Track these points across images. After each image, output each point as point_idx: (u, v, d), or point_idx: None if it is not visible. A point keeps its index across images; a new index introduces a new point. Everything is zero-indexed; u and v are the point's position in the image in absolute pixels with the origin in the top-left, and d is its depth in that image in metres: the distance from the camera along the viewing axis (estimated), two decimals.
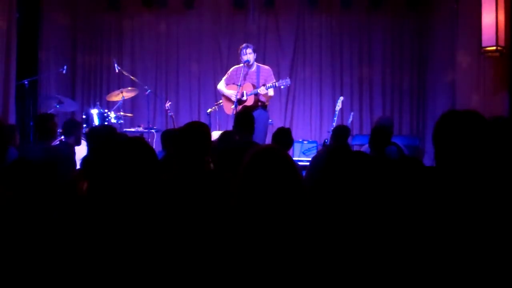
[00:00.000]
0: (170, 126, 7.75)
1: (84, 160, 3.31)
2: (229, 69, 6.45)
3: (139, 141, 2.02)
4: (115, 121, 6.87)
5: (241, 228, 1.70)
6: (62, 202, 2.14)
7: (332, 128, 6.07)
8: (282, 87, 6.04)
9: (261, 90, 5.85)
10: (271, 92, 5.99)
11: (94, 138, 3.51)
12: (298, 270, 1.63)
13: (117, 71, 7.41)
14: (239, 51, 6.13)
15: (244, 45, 6.13)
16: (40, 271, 1.83)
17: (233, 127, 4.42)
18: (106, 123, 6.71)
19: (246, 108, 5.84)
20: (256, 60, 6.18)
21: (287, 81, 5.96)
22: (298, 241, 1.67)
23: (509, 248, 1.64)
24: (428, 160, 7.06)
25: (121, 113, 7.14)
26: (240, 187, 1.77)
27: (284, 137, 4.43)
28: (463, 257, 1.66)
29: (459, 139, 1.81)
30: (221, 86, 6.26)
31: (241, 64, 6.06)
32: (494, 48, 5.96)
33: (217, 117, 7.25)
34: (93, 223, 1.84)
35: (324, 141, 6.66)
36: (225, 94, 6.17)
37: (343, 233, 1.79)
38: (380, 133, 4.34)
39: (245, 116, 4.44)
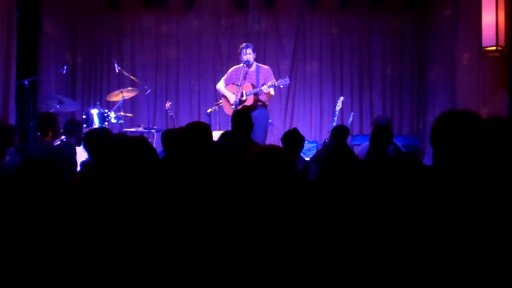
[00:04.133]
0: (170, 126, 7.75)
1: (86, 163, 3.31)
2: (229, 69, 6.45)
3: (141, 140, 2.02)
4: (115, 121, 6.87)
5: (242, 227, 1.71)
6: (66, 203, 2.14)
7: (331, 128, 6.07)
8: (281, 86, 6.03)
9: (265, 88, 5.83)
10: (271, 91, 5.99)
11: (92, 140, 3.50)
12: (298, 268, 1.63)
13: (117, 71, 7.41)
14: (239, 51, 6.12)
15: (243, 45, 6.12)
16: (43, 271, 1.83)
17: (231, 127, 4.39)
18: (106, 124, 6.71)
19: (245, 108, 5.83)
20: (256, 60, 6.17)
21: (286, 80, 5.96)
22: (299, 239, 1.67)
23: (507, 249, 1.65)
24: (428, 160, 7.06)
25: (121, 113, 7.13)
26: (241, 187, 1.77)
27: (295, 141, 4.38)
28: (460, 257, 1.66)
29: (456, 139, 1.81)
30: (221, 85, 6.26)
31: (241, 64, 6.06)
32: (494, 48, 5.97)
33: (217, 117, 7.26)
34: (96, 222, 1.85)
35: (324, 141, 6.66)
36: (224, 95, 6.17)
37: (343, 231, 1.79)
38: (382, 133, 4.32)
39: (242, 115, 4.41)
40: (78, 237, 1.85)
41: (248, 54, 6.00)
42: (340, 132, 5.00)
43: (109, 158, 1.94)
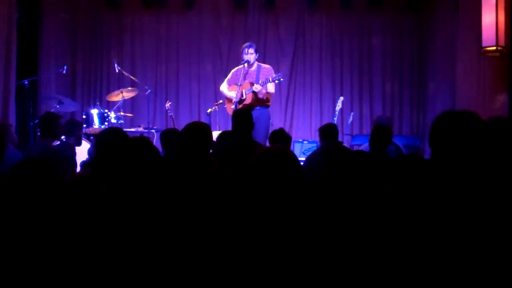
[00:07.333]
0: (170, 126, 7.75)
1: (86, 163, 3.28)
2: (229, 69, 6.45)
3: (143, 140, 2.02)
4: (115, 121, 6.87)
5: (244, 227, 1.71)
6: (68, 203, 2.14)
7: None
8: (276, 81, 5.90)
9: (256, 88, 5.79)
10: (271, 88, 5.93)
11: (105, 141, 3.44)
12: (302, 269, 1.63)
13: (117, 71, 7.41)
14: (241, 50, 6.10)
15: (247, 44, 6.09)
16: (44, 271, 1.83)
17: (232, 126, 4.37)
18: (106, 124, 6.71)
19: (245, 107, 5.79)
20: (256, 60, 6.16)
21: (280, 75, 5.86)
22: (303, 240, 1.67)
23: (507, 251, 1.65)
24: None
25: (121, 113, 7.14)
26: (246, 188, 1.76)
27: (280, 138, 4.39)
28: (459, 257, 1.66)
29: (455, 139, 1.81)
30: (224, 87, 6.25)
31: (241, 65, 6.04)
32: (494, 48, 5.96)
33: (217, 117, 7.25)
34: (98, 222, 1.85)
35: None
36: (227, 96, 6.16)
37: (346, 232, 1.79)
38: (381, 133, 4.31)
39: (242, 114, 4.38)
40: (80, 236, 1.85)
41: (250, 54, 5.98)
42: (330, 132, 4.62)
43: (112, 158, 1.94)
